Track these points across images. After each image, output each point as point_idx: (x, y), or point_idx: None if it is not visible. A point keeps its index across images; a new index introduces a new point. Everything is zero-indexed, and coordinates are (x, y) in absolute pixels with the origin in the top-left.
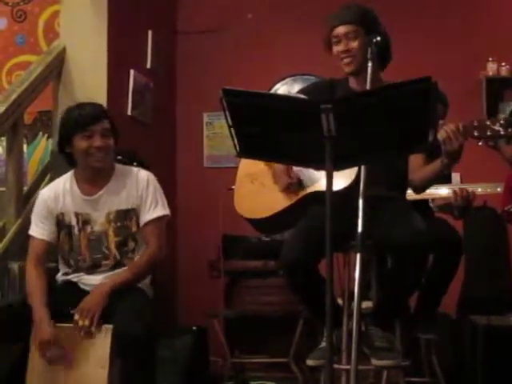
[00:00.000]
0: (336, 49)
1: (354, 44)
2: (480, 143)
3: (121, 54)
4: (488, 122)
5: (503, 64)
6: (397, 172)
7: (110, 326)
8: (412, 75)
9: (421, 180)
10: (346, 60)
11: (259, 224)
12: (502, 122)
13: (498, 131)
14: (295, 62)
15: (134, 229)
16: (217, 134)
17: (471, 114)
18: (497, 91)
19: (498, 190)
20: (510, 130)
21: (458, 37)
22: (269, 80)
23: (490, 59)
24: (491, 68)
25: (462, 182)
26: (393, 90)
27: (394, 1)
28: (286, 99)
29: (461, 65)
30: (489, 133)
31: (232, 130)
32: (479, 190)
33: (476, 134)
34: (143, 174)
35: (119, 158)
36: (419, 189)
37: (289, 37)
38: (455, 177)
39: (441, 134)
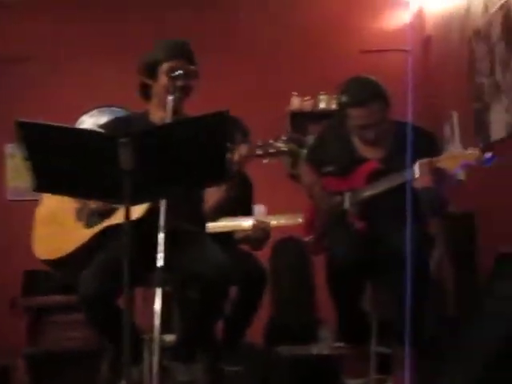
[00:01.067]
0: (167, 81)
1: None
2: (265, 161)
3: None
4: (271, 141)
5: (306, 98)
6: (198, 204)
7: None
8: (218, 107)
9: (211, 210)
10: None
11: (59, 265)
12: (283, 138)
13: (280, 147)
14: (102, 93)
15: None
16: (20, 165)
17: None
18: (301, 124)
19: (299, 220)
20: (291, 144)
21: (265, 71)
22: (76, 112)
23: (295, 93)
24: (295, 102)
25: (267, 214)
26: (190, 123)
27: (201, 32)
28: (82, 133)
29: (268, 98)
30: (272, 150)
31: (28, 162)
32: (281, 221)
33: (259, 152)
34: None
35: None
36: (211, 219)
37: (92, 68)
38: (259, 208)
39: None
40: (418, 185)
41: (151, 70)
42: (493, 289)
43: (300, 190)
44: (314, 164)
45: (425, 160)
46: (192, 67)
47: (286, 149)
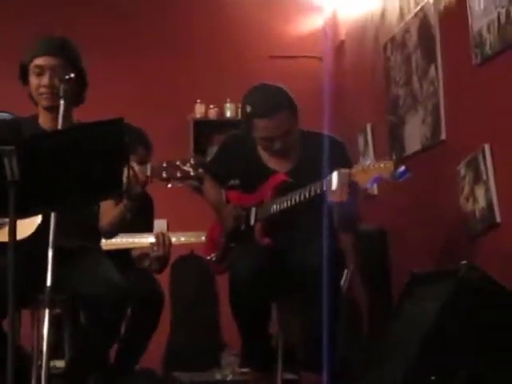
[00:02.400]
0: (36, 81)
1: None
2: (169, 185)
3: None
4: (178, 163)
5: (211, 106)
6: (91, 219)
7: None
8: (115, 114)
9: (108, 225)
10: (45, 95)
11: None
12: (192, 162)
13: (188, 172)
14: None
15: None
16: None
17: (179, 156)
18: (206, 134)
19: (203, 239)
20: (200, 170)
21: (166, 75)
22: None
23: (198, 101)
24: (199, 110)
25: (168, 230)
26: (83, 130)
27: (97, 34)
28: None
29: (169, 105)
30: (178, 174)
31: None
32: (182, 238)
33: (165, 175)
34: None
35: None
36: (107, 235)
37: None
38: (161, 224)
39: (124, 175)
40: (334, 198)
41: (23, 72)
42: (402, 310)
43: (204, 203)
44: (217, 177)
45: (344, 171)
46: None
47: (193, 174)
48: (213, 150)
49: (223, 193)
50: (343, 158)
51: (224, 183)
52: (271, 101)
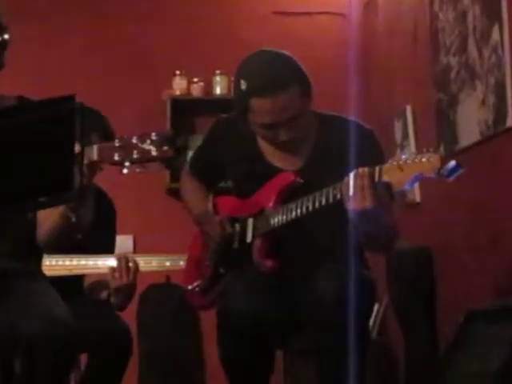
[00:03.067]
0: None
1: None
2: (124, 170)
3: None
4: (134, 140)
5: (195, 80)
6: (27, 232)
7: None
8: (71, 90)
9: (46, 234)
10: None
11: None
12: (153, 137)
13: (149, 151)
14: None
15: None
16: None
17: None
18: (186, 117)
19: (181, 264)
20: (165, 148)
21: (134, 42)
22: None
23: (178, 73)
24: (179, 85)
25: (135, 251)
26: (21, 110)
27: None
28: None
29: (139, 81)
30: (135, 155)
31: None
32: (154, 263)
33: (117, 157)
34: None
35: None
36: (48, 248)
37: None
38: (126, 241)
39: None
40: (353, 206)
41: None
42: (454, 360)
43: (184, 213)
44: (201, 177)
45: (363, 170)
46: None
47: (156, 154)
48: (197, 140)
49: (210, 198)
50: (373, 152)
51: (211, 185)
52: (275, 74)
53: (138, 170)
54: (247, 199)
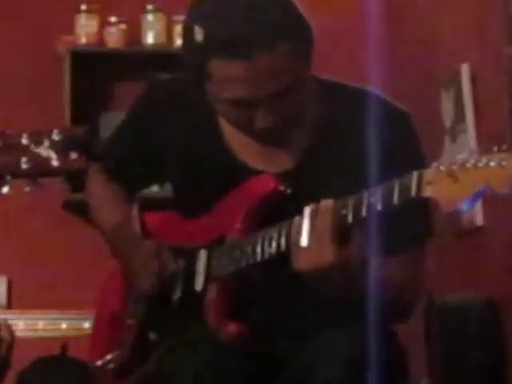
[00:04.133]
0: None
1: None
2: (4, 190)
3: None
4: (24, 140)
5: (113, 20)
6: None
7: None
8: None
9: None
10: None
11: None
12: (55, 137)
13: (48, 159)
14: None
15: None
16: None
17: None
18: (98, 81)
19: (85, 325)
20: (73, 156)
21: None
22: None
23: (83, 8)
24: (85, 29)
25: (10, 305)
26: None
27: None
28: None
29: (24, 26)
30: (25, 164)
31: None
32: (40, 325)
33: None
34: None
35: None
36: None
37: None
38: None
39: None
40: (299, 265)
41: None
42: None
43: (90, 241)
44: (120, 177)
45: (326, 203)
46: None
47: (58, 164)
48: (114, 119)
49: (135, 212)
50: (407, 148)
51: (136, 191)
52: (252, 20)
53: (27, 188)
54: (197, 219)
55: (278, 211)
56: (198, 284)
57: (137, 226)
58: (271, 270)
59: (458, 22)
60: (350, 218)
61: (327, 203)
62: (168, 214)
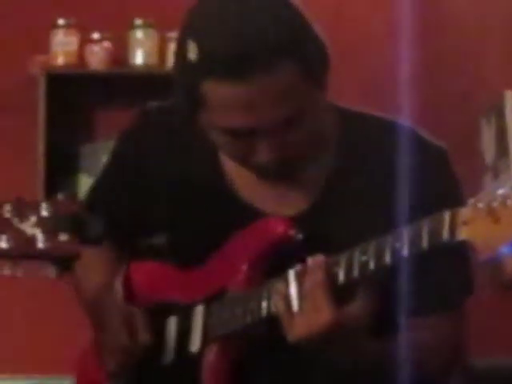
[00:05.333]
0: None
1: None
2: None
3: None
4: (7, 212)
5: (95, 37)
6: None
7: None
8: None
9: None
10: None
11: None
12: (44, 213)
13: (32, 240)
14: None
15: None
16: None
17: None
18: (79, 104)
19: None
20: (63, 237)
21: None
22: None
23: (61, 23)
24: (63, 47)
25: None
26: None
27: None
28: None
29: None
30: (6, 243)
31: None
32: None
33: None
34: None
35: None
36: None
37: None
38: None
39: None
40: (292, 335)
41: None
42: None
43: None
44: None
45: (315, 261)
46: None
47: (44, 246)
48: (96, 151)
49: (121, 269)
50: (443, 187)
51: (124, 244)
52: (254, 36)
53: (5, 270)
54: (194, 269)
55: (289, 258)
56: (194, 344)
57: (119, 288)
58: (278, 328)
59: (503, 43)
60: (341, 277)
61: (316, 260)
62: (160, 265)
